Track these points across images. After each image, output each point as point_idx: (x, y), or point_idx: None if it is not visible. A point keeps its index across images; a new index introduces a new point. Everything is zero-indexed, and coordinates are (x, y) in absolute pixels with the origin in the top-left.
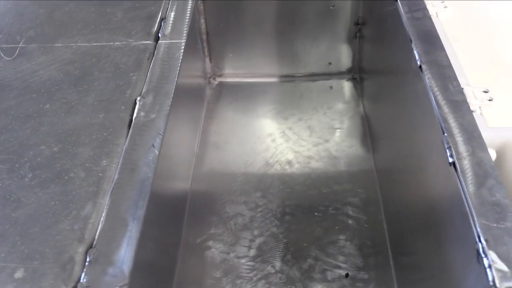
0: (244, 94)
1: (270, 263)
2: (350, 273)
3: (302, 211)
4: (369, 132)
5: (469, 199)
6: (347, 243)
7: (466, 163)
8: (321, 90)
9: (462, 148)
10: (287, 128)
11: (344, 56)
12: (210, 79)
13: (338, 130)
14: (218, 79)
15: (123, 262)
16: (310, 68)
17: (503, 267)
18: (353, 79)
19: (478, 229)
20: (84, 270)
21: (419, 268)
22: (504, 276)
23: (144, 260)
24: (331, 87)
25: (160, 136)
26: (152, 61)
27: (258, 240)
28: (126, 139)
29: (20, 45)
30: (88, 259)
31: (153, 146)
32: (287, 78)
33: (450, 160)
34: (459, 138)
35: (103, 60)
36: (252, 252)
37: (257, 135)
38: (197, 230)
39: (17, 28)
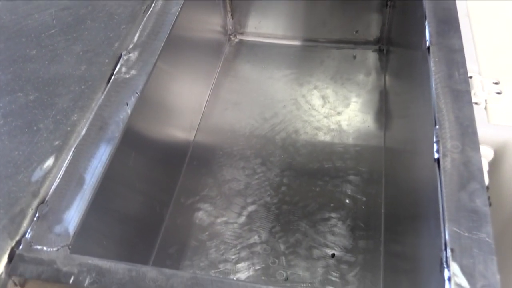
0: (263, 54)
1: (257, 232)
2: (336, 254)
3: (300, 184)
4: (385, 109)
5: (444, 202)
6: (340, 222)
7: (451, 161)
8: (344, 59)
9: (451, 144)
10: (300, 96)
11: (372, 25)
12: (231, 36)
13: (353, 103)
14: (239, 37)
15: (70, 222)
16: (335, 34)
17: (463, 282)
18: (379, 51)
19: (447, 236)
20: (32, 225)
21: (406, 258)
22: None
23: (114, 216)
24: (354, 57)
25: (137, 95)
26: (148, 14)
27: (249, 208)
28: (102, 95)
29: None
30: (37, 215)
31: (127, 105)
32: (310, 42)
33: (436, 156)
34: (450, 133)
35: (98, 9)
36: (241, 220)
37: (268, 99)
38: (190, 191)
39: None
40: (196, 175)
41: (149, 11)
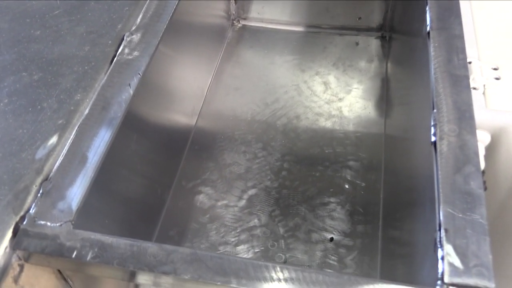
0: (266, 40)
1: (257, 216)
2: (335, 238)
3: (300, 169)
4: (386, 96)
5: (440, 184)
6: (338, 207)
7: (447, 145)
8: (346, 45)
9: (448, 127)
10: (302, 82)
11: (376, 12)
12: (234, 21)
13: (354, 89)
14: (242, 22)
15: (73, 199)
16: (338, 20)
17: (456, 261)
18: (382, 38)
19: (441, 217)
20: (35, 201)
21: (403, 243)
22: (454, 271)
23: (115, 197)
24: (357, 43)
25: (139, 76)
26: None
27: (250, 192)
28: (105, 75)
29: None
30: (41, 191)
31: (129, 85)
32: (312, 28)
33: (433, 139)
34: (448, 117)
35: None
36: (242, 203)
37: (270, 85)
38: (192, 174)
39: None
40: (197, 159)
41: None
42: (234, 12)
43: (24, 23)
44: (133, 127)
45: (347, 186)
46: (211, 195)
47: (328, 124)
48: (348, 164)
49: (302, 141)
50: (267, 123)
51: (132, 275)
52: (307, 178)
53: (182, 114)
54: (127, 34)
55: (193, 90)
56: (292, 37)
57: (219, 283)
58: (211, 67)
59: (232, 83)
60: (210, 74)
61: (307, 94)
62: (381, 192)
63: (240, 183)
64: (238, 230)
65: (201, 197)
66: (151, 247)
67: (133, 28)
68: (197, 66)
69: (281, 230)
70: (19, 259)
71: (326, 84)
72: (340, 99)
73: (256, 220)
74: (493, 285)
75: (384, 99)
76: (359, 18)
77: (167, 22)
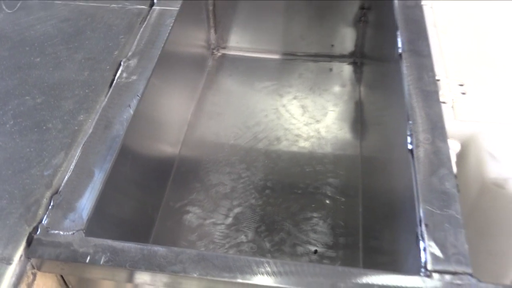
0: (245, 68)
1: (244, 232)
2: (318, 250)
3: (282, 187)
4: (360, 118)
5: (418, 185)
6: (321, 221)
7: (423, 151)
8: (321, 72)
9: (423, 136)
10: (281, 106)
11: (347, 40)
12: (214, 50)
13: (331, 112)
14: (222, 51)
15: (83, 210)
16: (313, 48)
17: (437, 251)
18: (353, 64)
19: (421, 214)
20: (47, 213)
21: (383, 252)
22: (436, 260)
23: (114, 213)
24: (331, 70)
25: (138, 97)
26: (144, 25)
27: (236, 210)
28: (105, 98)
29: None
30: (52, 204)
31: (129, 106)
32: (289, 56)
33: (410, 147)
34: (422, 127)
35: (97, 20)
36: (229, 221)
37: (250, 109)
38: (179, 195)
39: None
40: (184, 180)
41: (145, 23)
42: (214, 42)
43: (24, 51)
44: (128, 150)
45: (328, 202)
46: (199, 214)
47: (307, 144)
48: (328, 181)
49: (283, 161)
50: (249, 145)
51: (141, 278)
52: (289, 195)
53: (167, 142)
54: (124, 60)
55: (178, 118)
56: (270, 65)
57: (226, 279)
58: (193, 96)
59: (214, 110)
60: (193, 102)
61: (286, 117)
62: (360, 206)
63: (226, 202)
64: (226, 246)
65: (189, 216)
66: (160, 250)
67: (130, 54)
68: (181, 95)
69: (268, 245)
70: (33, 267)
71: (303, 107)
72: (318, 121)
73: (243, 236)
74: (470, 270)
75: (359, 120)
76: (332, 46)
77: (161, 48)
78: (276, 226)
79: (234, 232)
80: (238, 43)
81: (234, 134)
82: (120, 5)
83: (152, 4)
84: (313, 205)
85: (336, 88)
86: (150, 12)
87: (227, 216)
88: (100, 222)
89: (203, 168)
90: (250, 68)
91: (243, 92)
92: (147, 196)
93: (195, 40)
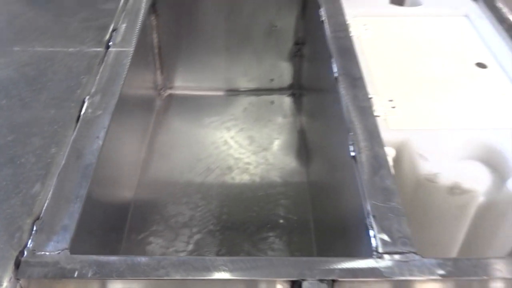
0: (192, 105)
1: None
2: None
3: (238, 211)
4: (304, 145)
5: (363, 185)
6: (277, 239)
7: (364, 156)
8: (263, 104)
9: (363, 144)
10: (230, 137)
11: (285, 73)
12: (161, 91)
13: (276, 140)
14: (169, 91)
15: (66, 230)
16: (254, 83)
17: (384, 237)
18: (293, 95)
19: (369, 207)
20: (31, 237)
21: (338, 254)
22: (385, 244)
23: (94, 231)
24: (272, 102)
25: (105, 129)
26: (102, 66)
27: (196, 237)
28: (74, 131)
29: None
30: (35, 228)
31: (98, 137)
32: (232, 92)
33: (352, 154)
34: (361, 137)
35: (57, 63)
36: (190, 247)
37: (201, 143)
38: (140, 227)
39: None
40: (143, 214)
41: (103, 64)
42: (160, 83)
43: None
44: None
45: (281, 221)
46: (161, 244)
47: (257, 171)
48: (280, 202)
49: (236, 187)
50: (203, 176)
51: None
52: (245, 218)
53: (123, 183)
54: (87, 97)
55: (131, 159)
56: (215, 101)
57: (207, 277)
58: (144, 136)
59: (166, 148)
60: (143, 143)
61: (235, 147)
62: (311, 221)
63: (186, 230)
64: None
65: (151, 247)
66: (143, 259)
67: (93, 91)
68: (131, 136)
69: None
70: None
71: (250, 137)
72: (265, 149)
73: None
74: (414, 249)
75: (303, 148)
76: (272, 80)
77: (122, 85)
78: (236, 248)
79: None
80: (184, 82)
81: (188, 167)
82: (77, 49)
83: (108, 47)
84: (268, 225)
85: (279, 119)
86: (107, 54)
87: (188, 243)
88: (83, 240)
89: (161, 201)
90: (196, 106)
91: (192, 128)
92: (108, 232)
93: (144, 82)
